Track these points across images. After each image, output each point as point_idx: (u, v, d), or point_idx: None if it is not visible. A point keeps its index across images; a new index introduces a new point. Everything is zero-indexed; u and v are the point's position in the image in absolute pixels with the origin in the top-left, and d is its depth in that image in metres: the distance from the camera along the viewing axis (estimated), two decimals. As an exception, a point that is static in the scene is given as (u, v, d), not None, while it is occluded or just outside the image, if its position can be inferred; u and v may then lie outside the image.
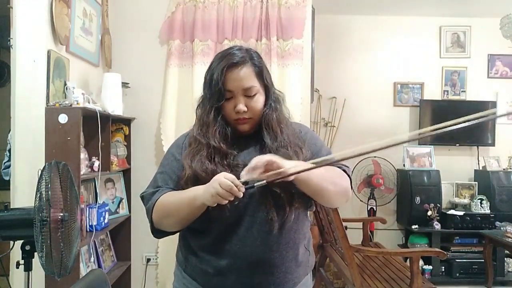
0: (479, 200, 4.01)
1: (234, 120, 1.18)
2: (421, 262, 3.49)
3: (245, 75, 1.16)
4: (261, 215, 1.14)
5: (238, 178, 1.04)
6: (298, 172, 1.05)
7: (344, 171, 1.23)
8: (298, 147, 1.20)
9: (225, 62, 1.16)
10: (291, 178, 1.05)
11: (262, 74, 1.20)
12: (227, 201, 1.03)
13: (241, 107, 1.15)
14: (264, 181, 1.03)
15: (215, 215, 1.11)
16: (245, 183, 1.03)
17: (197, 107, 1.26)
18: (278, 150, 1.16)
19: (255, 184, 1.03)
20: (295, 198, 1.14)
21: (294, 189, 1.12)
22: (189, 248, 1.23)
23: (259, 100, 1.19)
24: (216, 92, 1.16)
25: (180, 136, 1.32)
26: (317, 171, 1.11)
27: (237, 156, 1.17)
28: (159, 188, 1.21)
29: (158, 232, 1.21)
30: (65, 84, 2.29)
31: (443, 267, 3.94)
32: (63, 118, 2.09)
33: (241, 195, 1.02)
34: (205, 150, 1.16)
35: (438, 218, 3.92)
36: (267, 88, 1.22)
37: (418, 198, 3.96)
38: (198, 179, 1.12)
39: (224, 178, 1.02)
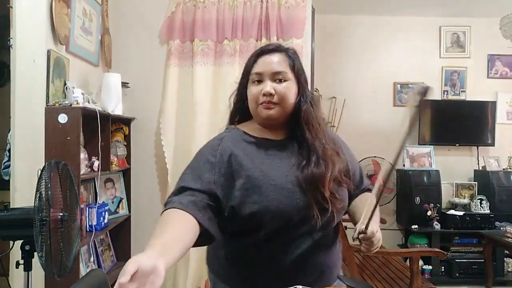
0: (479, 200, 4.01)
1: (260, 104, 1.14)
2: (421, 262, 3.49)
3: (278, 60, 1.15)
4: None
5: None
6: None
7: (370, 190, 1.28)
8: (335, 152, 1.16)
9: (260, 49, 1.18)
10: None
11: (294, 67, 1.17)
12: None
13: (269, 88, 1.12)
14: None
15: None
16: None
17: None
18: (319, 147, 1.12)
19: None
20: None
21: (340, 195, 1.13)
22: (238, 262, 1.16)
23: (290, 87, 1.14)
24: (245, 73, 1.18)
25: (213, 139, 1.19)
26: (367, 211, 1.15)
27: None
28: (181, 188, 1.07)
29: None
30: (65, 84, 2.28)
31: (443, 267, 3.94)
32: (63, 118, 2.09)
33: None
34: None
35: (437, 218, 3.91)
36: (300, 82, 1.18)
37: (418, 198, 3.96)
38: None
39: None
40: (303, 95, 1.17)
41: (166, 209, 1.00)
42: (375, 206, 1.07)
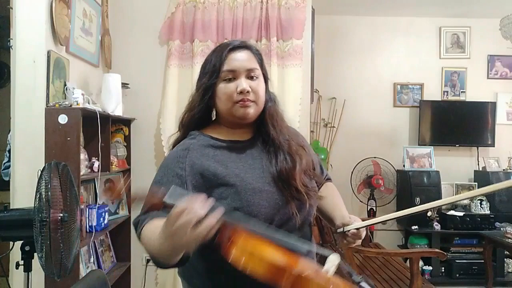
0: (479, 201, 4.01)
1: (237, 102, 1.08)
2: (421, 263, 3.50)
3: (248, 57, 1.12)
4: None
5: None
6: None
7: (330, 179, 1.34)
8: (300, 146, 1.17)
9: (226, 46, 1.12)
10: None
11: (262, 63, 1.16)
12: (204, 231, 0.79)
13: (245, 85, 1.08)
14: None
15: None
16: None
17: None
18: (284, 143, 1.12)
19: None
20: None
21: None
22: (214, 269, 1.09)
23: (262, 84, 1.13)
24: (214, 71, 1.10)
25: (177, 150, 1.12)
26: (338, 200, 1.24)
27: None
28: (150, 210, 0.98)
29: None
30: (65, 85, 2.28)
31: (443, 268, 3.94)
32: (63, 119, 2.09)
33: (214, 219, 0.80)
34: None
35: (438, 218, 3.92)
36: (266, 80, 1.17)
37: (418, 199, 3.96)
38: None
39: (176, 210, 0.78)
40: (268, 93, 1.17)
41: (144, 224, 0.93)
42: (375, 223, 1.14)
